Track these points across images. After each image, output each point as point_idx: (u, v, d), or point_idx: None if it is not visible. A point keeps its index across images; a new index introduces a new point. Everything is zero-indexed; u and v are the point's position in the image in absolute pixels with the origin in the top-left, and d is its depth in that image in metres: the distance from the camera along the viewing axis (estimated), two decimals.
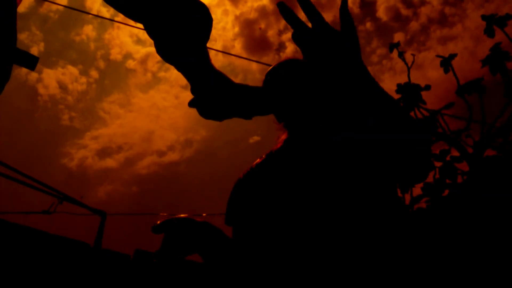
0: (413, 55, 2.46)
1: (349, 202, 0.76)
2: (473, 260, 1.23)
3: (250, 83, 0.96)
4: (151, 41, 0.84)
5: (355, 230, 0.73)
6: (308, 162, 0.84)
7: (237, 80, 0.96)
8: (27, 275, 3.71)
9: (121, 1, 0.77)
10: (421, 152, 0.78)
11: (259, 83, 1.06)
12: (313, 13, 0.78)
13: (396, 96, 2.36)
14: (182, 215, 0.88)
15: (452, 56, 2.31)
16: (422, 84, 2.31)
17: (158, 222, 0.85)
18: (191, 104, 0.90)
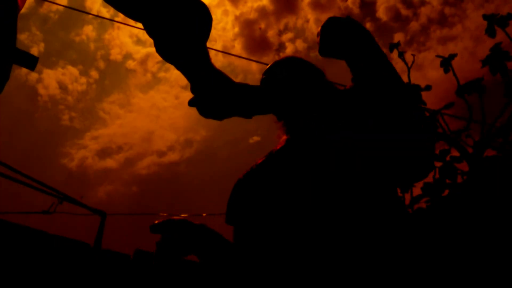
0: (413, 55, 2.46)
1: (349, 203, 0.76)
2: (473, 260, 1.23)
3: (250, 83, 0.96)
4: (151, 42, 0.84)
5: (355, 231, 0.73)
6: (308, 163, 0.84)
7: (237, 80, 0.96)
8: (27, 275, 3.71)
9: (121, 0, 0.77)
10: (423, 151, 0.78)
11: (259, 83, 1.06)
12: None
13: None
14: (180, 216, 0.88)
15: (452, 56, 2.31)
16: (422, 85, 2.30)
17: (156, 221, 0.86)
18: (191, 103, 0.90)
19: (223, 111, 0.92)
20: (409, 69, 2.42)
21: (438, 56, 2.35)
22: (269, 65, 1.04)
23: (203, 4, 0.80)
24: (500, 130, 2.06)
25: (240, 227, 0.93)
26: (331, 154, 0.82)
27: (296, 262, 0.74)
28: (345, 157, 0.80)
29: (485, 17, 2.26)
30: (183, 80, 0.91)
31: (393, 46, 2.54)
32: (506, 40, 2.18)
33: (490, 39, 2.21)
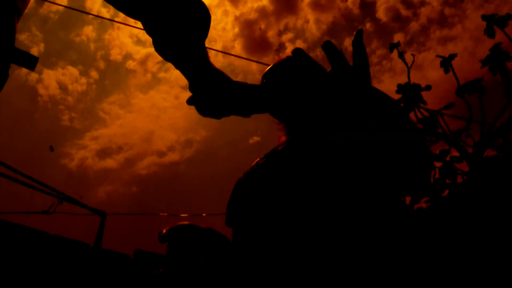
0: (413, 55, 2.46)
1: (350, 204, 0.76)
2: (473, 260, 1.23)
3: (249, 83, 0.96)
4: (151, 42, 0.84)
5: (355, 232, 0.73)
6: (309, 164, 0.84)
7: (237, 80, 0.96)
8: (27, 275, 3.71)
9: None
10: (420, 151, 0.78)
11: (258, 83, 1.06)
12: (335, 59, 0.79)
13: (396, 96, 2.36)
14: (185, 222, 0.88)
15: (452, 56, 2.31)
16: (422, 85, 2.31)
17: (164, 231, 0.85)
18: (189, 101, 0.90)
19: (221, 109, 0.91)
20: (409, 69, 2.42)
21: (438, 56, 2.35)
22: (268, 67, 1.04)
23: (202, 2, 0.80)
24: (500, 130, 2.06)
25: (240, 229, 0.93)
26: (332, 155, 0.82)
27: (297, 264, 0.74)
28: (345, 158, 0.80)
29: (484, 17, 2.27)
30: (183, 80, 0.91)
31: (393, 46, 2.54)
32: (506, 40, 2.18)
33: (490, 39, 2.22)
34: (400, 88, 2.35)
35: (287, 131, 1.00)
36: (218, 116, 0.93)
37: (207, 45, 0.85)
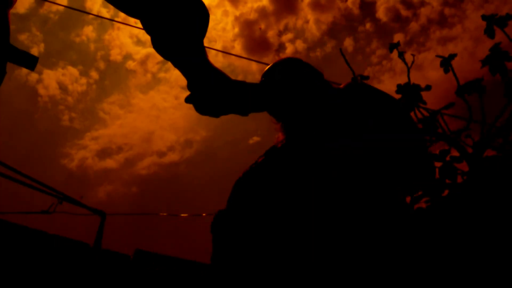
0: (413, 55, 2.46)
1: (351, 203, 0.76)
2: (473, 260, 1.23)
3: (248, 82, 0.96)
4: (151, 42, 0.84)
5: (356, 231, 0.73)
6: (309, 163, 0.84)
7: None
8: (27, 275, 3.70)
9: None
10: (419, 151, 0.78)
11: (257, 83, 1.06)
12: None
13: (396, 97, 2.36)
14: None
15: (452, 56, 2.31)
16: (422, 85, 2.30)
17: None
18: (187, 100, 0.90)
19: (220, 108, 0.91)
20: (408, 69, 2.42)
21: (438, 56, 2.35)
22: (267, 67, 1.04)
23: (200, 1, 0.80)
24: (500, 130, 2.06)
25: (240, 227, 0.93)
26: (332, 155, 0.82)
27: (297, 264, 0.74)
28: (346, 157, 0.80)
29: (484, 17, 2.26)
30: (183, 81, 0.91)
31: (393, 46, 2.54)
32: (506, 40, 2.18)
33: (490, 40, 2.22)
34: (400, 88, 2.35)
35: (284, 130, 1.00)
36: (216, 115, 0.93)
37: (207, 45, 0.85)
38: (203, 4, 0.80)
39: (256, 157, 1.02)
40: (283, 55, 1.05)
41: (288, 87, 0.96)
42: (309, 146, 0.86)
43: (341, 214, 0.76)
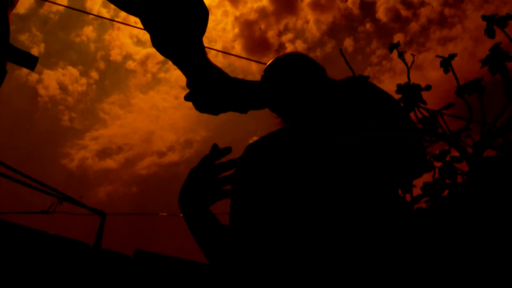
0: (413, 55, 2.46)
1: (348, 200, 0.76)
2: (473, 260, 1.23)
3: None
4: (150, 41, 0.84)
5: (356, 230, 0.73)
6: (307, 163, 0.84)
7: None
8: (27, 275, 3.71)
9: None
10: (414, 150, 0.78)
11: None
12: None
13: (396, 97, 2.36)
14: (179, 215, 0.89)
15: (452, 56, 2.31)
16: (422, 85, 2.31)
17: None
18: (187, 97, 0.90)
19: (219, 105, 0.91)
20: (408, 69, 2.42)
21: (438, 56, 2.35)
22: (269, 62, 1.04)
23: None
24: (500, 130, 2.06)
25: (241, 224, 0.93)
26: (329, 152, 0.82)
27: (297, 262, 0.74)
28: (342, 159, 0.80)
29: (484, 17, 2.27)
30: (183, 81, 0.91)
31: (393, 46, 2.54)
32: (506, 40, 2.18)
33: (490, 40, 2.22)
34: (400, 88, 2.36)
35: (284, 125, 1.01)
36: (215, 112, 0.93)
37: (207, 45, 0.85)
38: (202, 1, 0.80)
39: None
40: (288, 51, 1.05)
41: (289, 82, 0.96)
42: (309, 143, 0.86)
43: (341, 212, 0.76)
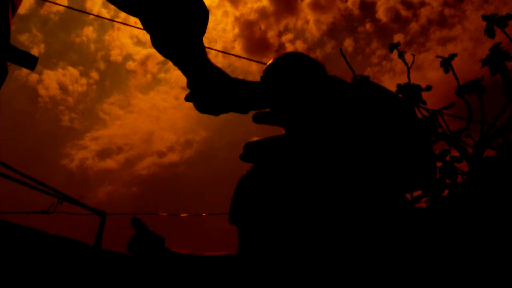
0: (413, 55, 2.46)
1: (353, 202, 0.76)
2: (473, 259, 1.23)
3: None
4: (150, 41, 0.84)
5: (357, 230, 0.73)
6: (311, 163, 0.84)
7: None
8: (27, 275, 3.71)
9: None
10: (422, 150, 0.78)
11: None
12: None
13: None
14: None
15: (452, 56, 2.32)
16: (423, 85, 2.31)
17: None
18: (187, 98, 0.89)
19: (219, 106, 0.91)
20: (408, 69, 2.42)
21: (438, 56, 2.35)
22: (268, 63, 1.04)
23: None
24: (500, 130, 2.06)
25: (244, 227, 0.93)
26: (333, 152, 0.82)
27: (302, 263, 0.74)
28: (347, 155, 0.80)
29: (484, 17, 2.27)
30: (183, 81, 0.91)
31: (393, 46, 2.54)
32: (506, 41, 2.19)
33: (490, 40, 2.22)
34: (400, 88, 2.36)
35: (287, 129, 1.00)
36: (216, 113, 0.92)
37: (207, 45, 0.85)
38: (202, 1, 0.80)
39: None
40: (287, 51, 1.05)
41: (289, 83, 0.95)
42: (312, 143, 0.86)
43: (342, 212, 0.76)
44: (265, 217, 0.85)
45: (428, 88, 2.31)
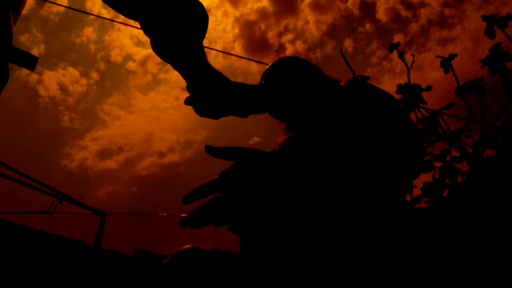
0: (413, 55, 2.46)
1: (351, 204, 0.76)
2: (473, 260, 1.23)
3: (249, 84, 0.96)
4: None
5: (356, 232, 0.74)
6: (310, 166, 0.84)
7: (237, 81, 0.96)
8: (27, 275, 3.71)
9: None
10: (413, 150, 0.78)
11: (257, 84, 1.06)
12: None
13: (397, 97, 2.36)
14: (186, 246, 0.85)
15: (452, 56, 2.32)
16: (423, 85, 2.31)
17: (164, 262, 0.82)
18: (187, 101, 0.89)
19: (219, 109, 0.91)
20: (408, 69, 2.42)
21: (438, 56, 2.35)
22: (266, 68, 1.04)
23: (199, 3, 0.80)
24: (500, 130, 2.06)
25: (244, 233, 0.93)
26: (329, 155, 0.82)
27: (300, 265, 0.75)
28: (343, 157, 0.81)
29: (484, 18, 2.27)
30: (183, 82, 0.91)
31: (393, 46, 2.54)
32: (506, 41, 2.19)
33: (490, 40, 2.22)
34: (400, 88, 2.36)
35: (287, 130, 1.01)
36: (215, 116, 0.93)
37: (207, 45, 0.85)
38: (202, 6, 0.80)
39: None
40: (282, 56, 1.05)
41: (287, 88, 0.96)
42: (311, 146, 0.86)
43: (341, 212, 0.76)
44: (262, 221, 0.85)
45: (428, 88, 2.31)
